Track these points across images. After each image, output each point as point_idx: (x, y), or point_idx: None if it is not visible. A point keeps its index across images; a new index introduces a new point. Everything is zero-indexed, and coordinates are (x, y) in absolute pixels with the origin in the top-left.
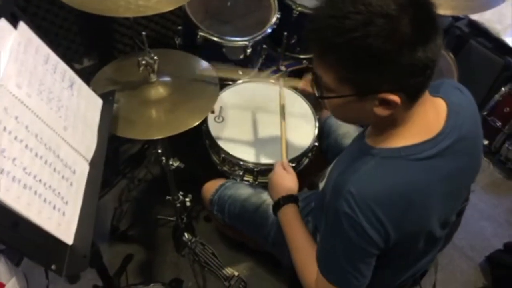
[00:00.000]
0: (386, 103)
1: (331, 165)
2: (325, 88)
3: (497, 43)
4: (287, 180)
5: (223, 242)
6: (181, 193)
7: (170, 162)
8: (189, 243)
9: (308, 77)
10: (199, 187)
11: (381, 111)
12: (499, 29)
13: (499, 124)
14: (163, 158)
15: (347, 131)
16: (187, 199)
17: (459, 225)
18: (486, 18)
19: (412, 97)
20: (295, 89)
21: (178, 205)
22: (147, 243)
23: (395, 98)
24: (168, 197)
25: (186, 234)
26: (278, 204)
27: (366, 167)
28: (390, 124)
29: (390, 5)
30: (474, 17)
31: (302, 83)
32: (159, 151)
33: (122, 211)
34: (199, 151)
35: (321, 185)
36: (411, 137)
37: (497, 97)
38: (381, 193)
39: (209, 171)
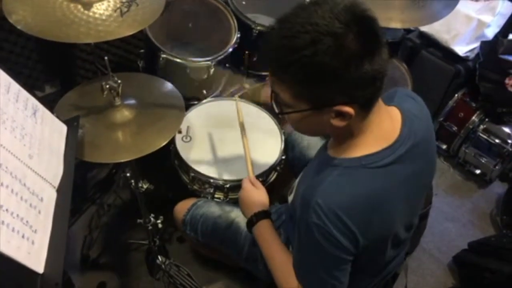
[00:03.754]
0: (341, 115)
1: (298, 178)
2: (283, 104)
3: (447, 52)
4: (256, 195)
5: (198, 262)
6: (152, 215)
7: (140, 185)
8: (163, 266)
9: (268, 90)
10: (170, 208)
11: (338, 122)
12: (447, 38)
13: (455, 128)
14: (132, 181)
15: (311, 143)
16: (158, 221)
17: (425, 229)
18: (435, 29)
19: (365, 107)
20: (258, 103)
21: (150, 227)
22: (120, 269)
23: (349, 109)
24: (139, 220)
25: (159, 257)
26: (252, 221)
27: (330, 178)
28: (349, 135)
29: (335, 23)
30: (424, 28)
31: (263, 97)
32: (127, 174)
33: (92, 238)
34: (167, 171)
35: (290, 198)
36: (369, 146)
37: (451, 103)
38: (346, 201)
39: (179, 191)
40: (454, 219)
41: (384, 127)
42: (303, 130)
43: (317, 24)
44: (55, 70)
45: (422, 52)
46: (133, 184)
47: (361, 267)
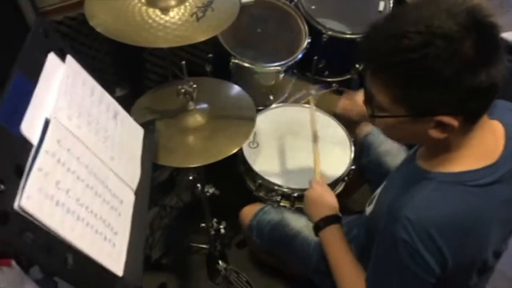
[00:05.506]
0: (442, 126)
1: (380, 189)
2: (377, 107)
3: None
4: (325, 196)
5: (257, 269)
6: (215, 220)
7: (206, 189)
8: (223, 271)
9: (345, 101)
10: (232, 214)
11: (436, 134)
12: None
13: None
14: (198, 185)
15: (389, 149)
16: (221, 226)
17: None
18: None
19: (470, 121)
20: (333, 114)
21: (213, 232)
22: (181, 271)
23: (452, 121)
24: (202, 224)
25: (220, 262)
26: (319, 226)
27: (424, 192)
28: (444, 148)
29: (452, 26)
30: (504, 35)
31: (340, 108)
32: (190, 177)
33: (154, 239)
34: (232, 177)
35: (369, 209)
36: (470, 162)
37: None
38: (439, 219)
39: (243, 197)
40: None
41: (487, 143)
42: (393, 136)
43: (432, 25)
44: (126, 73)
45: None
46: (199, 188)
47: None
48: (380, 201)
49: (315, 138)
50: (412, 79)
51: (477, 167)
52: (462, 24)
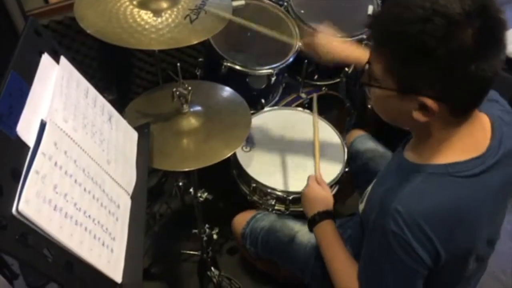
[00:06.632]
0: (425, 109)
1: (371, 185)
2: (372, 76)
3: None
4: (321, 194)
5: (249, 276)
6: (207, 226)
7: (199, 194)
8: (215, 278)
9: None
10: (224, 219)
11: (418, 116)
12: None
13: None
14: (191, 190)
15: (374, 155)
16: (213, 232)
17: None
18: None
19: (459, 112)
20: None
21: (205, 238)
22: (171, 279)
23: (433, 104)
24: (194, 231)
25: (212, 269)
26: (314, 220)
27: (413, 184)
28: (434, 139)
29: (456, 8)
30: None
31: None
32: (180, 183)
33: (144, 247)
34: (224, 181)
35: (361, 206)
36: (457, 154)
37: None
38: (429, 210)
39: (236, 201)
40: None
41: (475, 135)
42: (382, 111)
43: (436, 2)
44: (113, 78)
45: None
46: (191, 193)
47: (439, 286)
48: (371, 196)
49: (316, 126)
50: (405, 52)
51: (465, 159)
52: (467, 10)
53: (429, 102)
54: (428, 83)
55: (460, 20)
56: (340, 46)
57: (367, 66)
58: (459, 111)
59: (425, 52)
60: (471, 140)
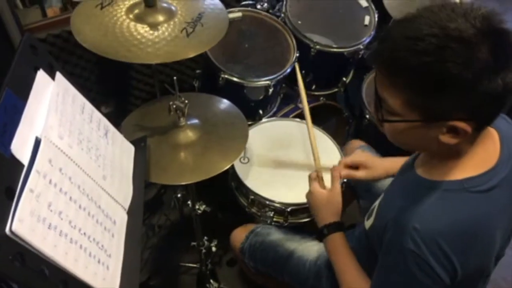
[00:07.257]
0: (455, 132)
1: (378, 200)
2: (388, 111)
3: None
4: (325, 198)
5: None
6: (206, 238)
7: (197, 207)
8: None
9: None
10: (223, 231)
11: (447, 139)
12: None
13: None
14: (189, 202)
15: None
16: (212, 244)
17: None
18: None
19: (481, 127)
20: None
21: (204, 251)
22: None
23: (466, 127)
24: (193, 243)
25: (211, 281)
26: (323, 234)
27: (429, 201)
28: (452, 155)
29: (468, 30)
30: None
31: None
32: (178, 195)
33: (142, 259)
34: (222, 193)
35: (368, 222)
36: (470, 169)
37: None
38: (447, 228)
39: (234, 214)
40: None
41: (488, 148)
42: (402, 142)
43: (447, 28)
44: (111, 91)
45: None
46: (190, 205)
47: None
48: (382, 213)
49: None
50: (428, 83)
51: (478, 173)
52: (479, 28)
53: (461, 124)
54: (457, 108)
55: (475, 40)
56: (388, 163)
57: (379, 103)
58: (484, 126)
59: (450, 80)
60: (484, 154)
